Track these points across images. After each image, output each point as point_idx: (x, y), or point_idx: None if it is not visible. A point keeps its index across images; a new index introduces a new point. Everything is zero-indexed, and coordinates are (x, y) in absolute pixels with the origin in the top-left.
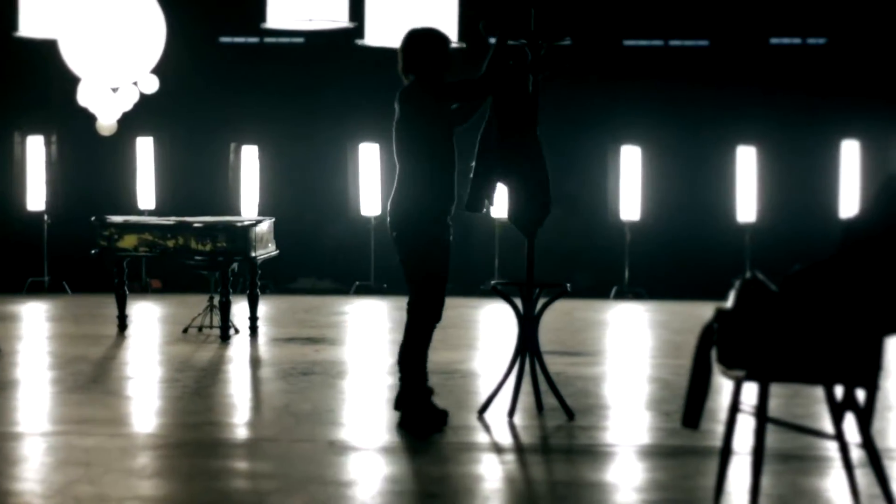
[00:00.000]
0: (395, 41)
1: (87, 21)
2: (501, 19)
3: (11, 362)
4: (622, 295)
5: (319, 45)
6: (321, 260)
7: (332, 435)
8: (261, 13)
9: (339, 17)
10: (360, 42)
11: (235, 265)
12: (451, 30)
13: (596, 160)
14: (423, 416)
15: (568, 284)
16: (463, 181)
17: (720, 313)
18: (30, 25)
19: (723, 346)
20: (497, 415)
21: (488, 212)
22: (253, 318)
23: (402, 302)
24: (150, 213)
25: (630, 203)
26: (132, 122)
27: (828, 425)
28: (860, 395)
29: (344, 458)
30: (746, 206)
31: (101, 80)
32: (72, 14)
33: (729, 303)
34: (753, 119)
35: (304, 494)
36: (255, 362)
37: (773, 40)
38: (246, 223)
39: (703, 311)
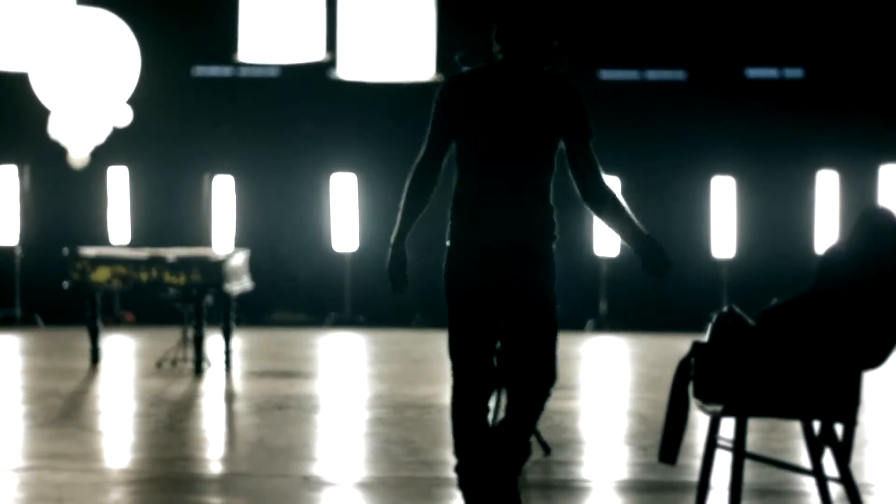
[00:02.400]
0: (368, 75)
1: (59, 53)
2: (479, 51)
3: None
4: (599, 328)
5: (293, 78)
6: (296, 292)
7: (306, 470)
8: (234, 45)
9: (314, 50)
10: (333, 75)
11: (209, 298)
12: (428, 62)
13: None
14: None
15: None
16: None
17: (697, 347)
18: (1, 58)
19: (700, 381)
20: None
21: None
22: (227, 352)
23: (379, 335)
24: (125, 245)
25: (605, 236)
26: (105, 153)
27: (805, 460)
28: (838, 429)
29: (319, 493)
30: (724, 239)
31: (72, 112)
32: (44, 47)
33: (706, 337)
34: (730, 151)
35: None
36: (230, 396)
37: (751, 72)
38: (220, 256)
39: (680, 345)
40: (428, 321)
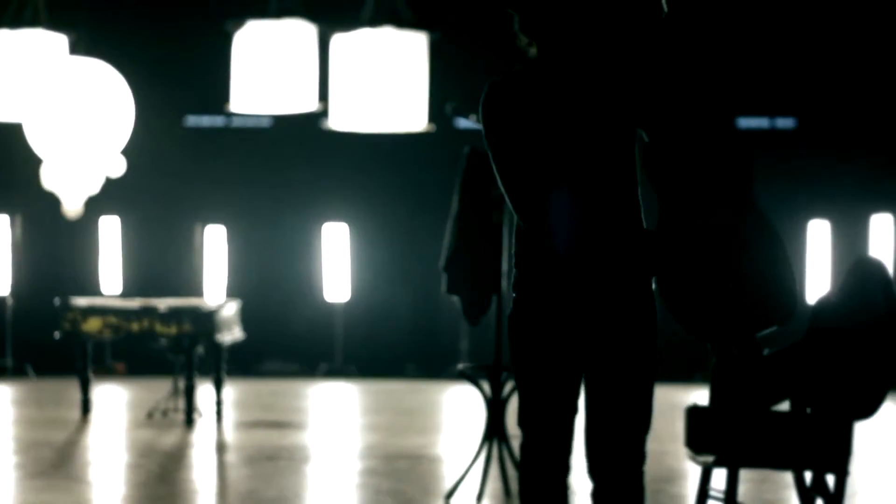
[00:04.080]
0: (360, 125)
1: (52, 103)
2: (470, 102)
3: None
4: None
5: (286, 128)
6: (288, 342)
7: None
8: (226, 96)
9: (306, 101)
10: (325, 126)
11: (201, 348)
12: (420, 113)
13: None
14: None
15: None
16: None
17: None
18: None
19: (692, 432)
20: (465, 501)
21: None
22: (218, 402)
23: (371, 385)
24: (117, 294)
25: None
26: (97, 202)
27: None
28: (830, 480)
29: None
30: None
31: (65, 163)
32: (37, 97)
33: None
34: None
35: None
36: (221, 447)
37: (742, 122)
38: (211, 306)
39: (671, 395)
40: (420, 371)
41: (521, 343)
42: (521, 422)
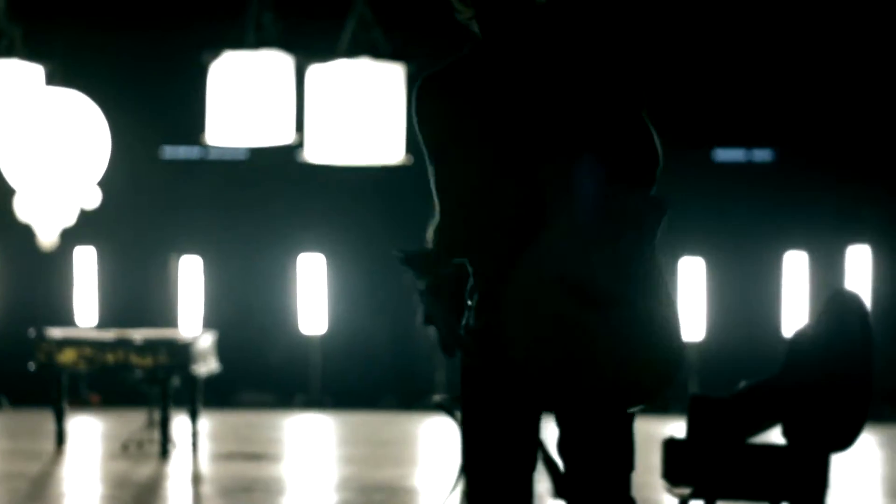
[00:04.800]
0: (336, 158)
1: (28, 134)
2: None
3: None
4: None
5: (262, 160)
6: (264, 373)
7: None
8: (202, 127)
9: (282, 133)
10: (301, 158)
11: (176, 380)
12: (397, 145)
13: None
14: None
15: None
16: None
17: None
18: None
19: (669, 464)
20: None
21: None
22: (194, 434)
23: (347, 417)
24: (92, 325)
25: None
26: (72, 233)
27: None
28: None
29: None
30: (693, 321)
31: (40, 194)
32: (12, 128)
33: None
34: (700, 233)
35: None
36: (196, 479)
37: (720, 153)
38: (187, 338)
39: (647, 427)
40: (397, 402)
41: (476, 378)
42: (472, 474)
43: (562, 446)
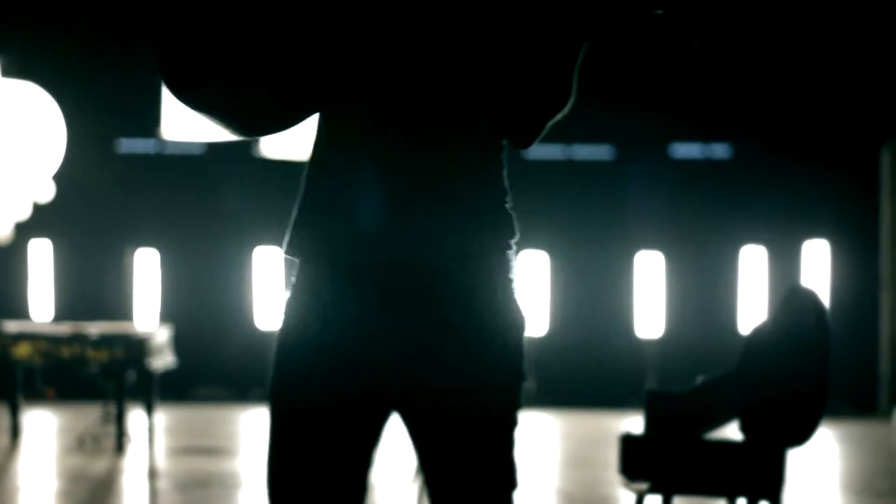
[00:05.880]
0: (292, 153)
1: None
2: None
3: None
4: (526, 404)
5: (218, 154)
6: (220, 367)
7: None
8: (158, 121)
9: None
10: (258, 153)
11: (132, 374)
12: None
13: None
14: None
15: None
16: None
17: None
18: None
19: (626, 458)
20: None
21: None
22: (149, 428)
23: None
24: (48, 319)
25: (534, 311)
26: (27, 226)
27: None
28: None
29: None
30: (650, 317)
31: None
32: None
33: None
34: (658, 228)
35: None
36: (152, 473)
37: (678, 148)
38: (143, 332)
39: (606, 423)
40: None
41: (290, 369)
42: (276, 491)
43: (424, 470)
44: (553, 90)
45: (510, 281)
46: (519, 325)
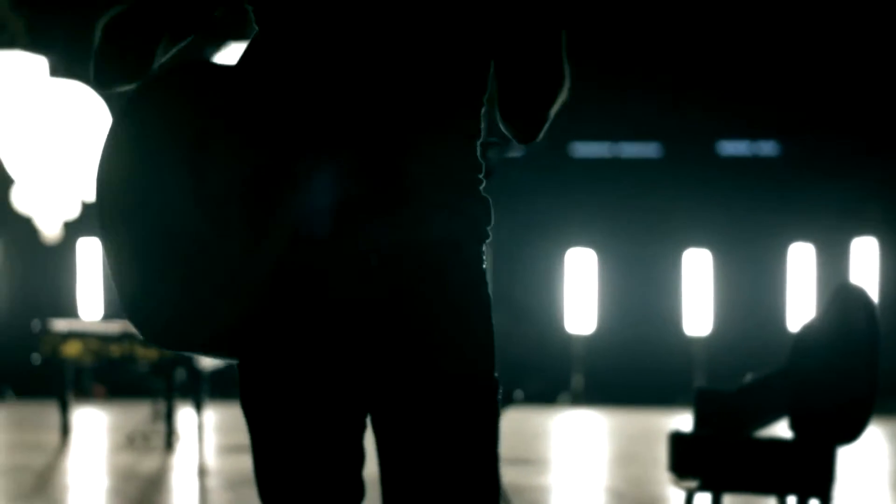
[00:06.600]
0: None
1: (31, 126)
2: None
3: None
4: (571, 402)
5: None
6: None
7: None
8: None
9: None
10: None
11: (182, 372)
12: None
13: (544, 267)
14: None
15: (519, 391)
16: None
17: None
18: None
19: (675, 456)
20: None
21: None
22: (199, 426)
23: None
24: (98, 318)
25: (582, 308)
26: (76, 224)
27: None
28: None
29: None
30: (699, 314)
31: (40, 186)
32: (15, 119)
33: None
34: (705, 226)
35: None
36: (202, 471)
37: (725, 146)
38: None
39: (655, 421)
40: None
41: (258, 371)
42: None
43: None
44: (542, 75)
45: (482, 267)
46: (487, 310)
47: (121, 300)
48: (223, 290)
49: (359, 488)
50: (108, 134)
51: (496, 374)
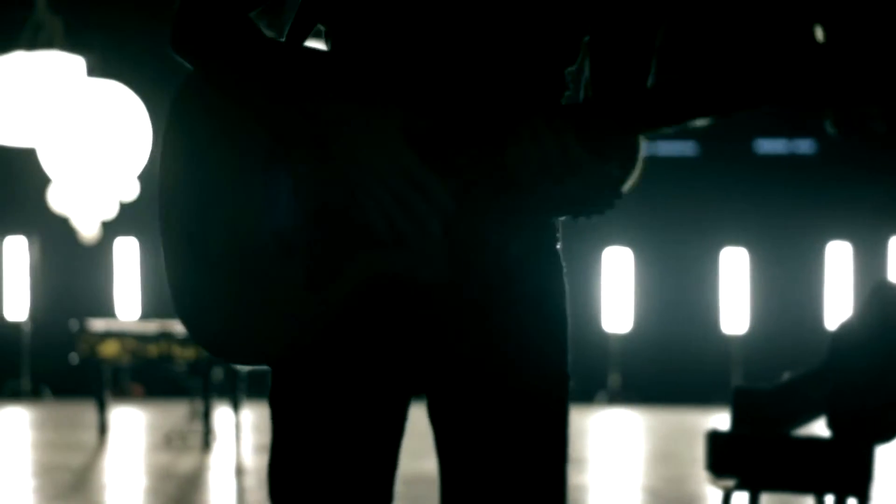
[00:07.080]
0: None
1: (68, 126)
2: None
3: None
4: (608, 401)
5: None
6: None
7: None
8: None
9: None
10: None
11: (219, 371)
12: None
13: (581, 266)
14: None
15: None
16: None
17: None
18: (7, 134)
19: (713, 455)
20: None
21: None
22: (236, 425)
23: None
24: (135, 317)
25: (619, 307)
26: (113, 224)
27: None
28: None
29: None
30: (736, 313)
31: (78, 186)
32: (53, 119)
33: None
34: (742, 224)
35: None
36: (239, 470)
37: (762, 144)
38: None
39: (693, 419)
40: None
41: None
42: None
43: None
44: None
45: (557, 252)
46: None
47: (172, 298)
48: (279, 318)
49: (387, 497)
50: (180, 130)
51: (568, 369)
